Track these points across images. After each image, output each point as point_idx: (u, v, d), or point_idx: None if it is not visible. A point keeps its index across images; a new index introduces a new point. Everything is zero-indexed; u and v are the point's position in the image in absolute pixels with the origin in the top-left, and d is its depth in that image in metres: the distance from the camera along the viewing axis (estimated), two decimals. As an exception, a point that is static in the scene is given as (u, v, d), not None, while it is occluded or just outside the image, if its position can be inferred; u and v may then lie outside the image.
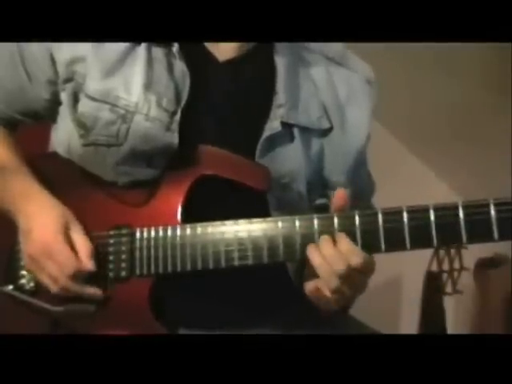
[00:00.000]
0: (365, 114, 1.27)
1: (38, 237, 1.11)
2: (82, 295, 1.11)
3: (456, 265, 2.70)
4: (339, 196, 1.05)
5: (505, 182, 2.31)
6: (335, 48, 1.28)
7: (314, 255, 1.03)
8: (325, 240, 1.03)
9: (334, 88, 1.26)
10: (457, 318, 2.79)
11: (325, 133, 1.23)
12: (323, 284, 1.03)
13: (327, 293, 1.03)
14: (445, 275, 2.71)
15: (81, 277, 1.10)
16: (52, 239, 1.10)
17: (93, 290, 1.11)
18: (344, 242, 1.02)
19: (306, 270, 1.09)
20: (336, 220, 1.04)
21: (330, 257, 1.02)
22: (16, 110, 1.27)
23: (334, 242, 1.03)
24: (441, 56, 2.56)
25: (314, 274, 1.04)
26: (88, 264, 1.10)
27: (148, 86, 1.16)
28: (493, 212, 0.99)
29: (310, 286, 1.06)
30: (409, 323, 2.72)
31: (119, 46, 1.17)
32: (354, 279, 1.03)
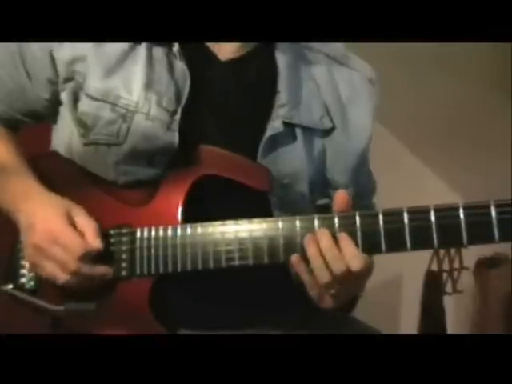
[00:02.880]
0: (367, 113, 1.26)
1: (41, 226, 1.10)
2: (93, 276, 1.10)
3: (456, 264, 2.70)
4: (341, 199, 1.04)
5: (506, 182, 2.31)
6: (337, 47, 1.28)
7: (311, 245, 1.03)
8: (323, 233, 1.03)
9: (335, 87, 1.25)
10: (457, 318, 2.79)
11: (327, 132, 1.22)
12: (315, 276, 1.02)
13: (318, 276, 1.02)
14: (445, 275, 2.71)
15: (89, 257, 1.09)
16: (56, 225, 1.10)
17: (103, 269, 1.11)
18: (346, 243, 1.02)
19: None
20: (337, 220, 1.04)
21: (328, 252, 1.01)
22: (17, 109, 1.27)
23: (335, 239, 1.02)
24: (442, 56, 2.56)
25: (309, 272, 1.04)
26: (95, 242, 1.09)
27: (148, 85, 1.16)
28: (494, 213, 0.98)
29: (294, 257, 1.04)
30: (409, 323, 2.72)
31: (120, 46, 1.17)
32: (351, 281, 1.03)
